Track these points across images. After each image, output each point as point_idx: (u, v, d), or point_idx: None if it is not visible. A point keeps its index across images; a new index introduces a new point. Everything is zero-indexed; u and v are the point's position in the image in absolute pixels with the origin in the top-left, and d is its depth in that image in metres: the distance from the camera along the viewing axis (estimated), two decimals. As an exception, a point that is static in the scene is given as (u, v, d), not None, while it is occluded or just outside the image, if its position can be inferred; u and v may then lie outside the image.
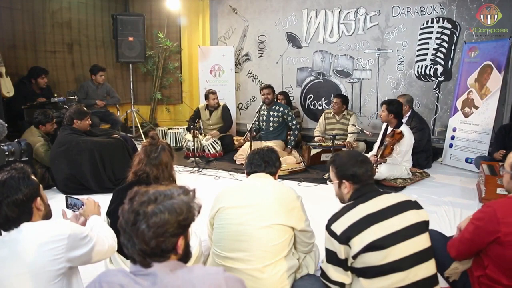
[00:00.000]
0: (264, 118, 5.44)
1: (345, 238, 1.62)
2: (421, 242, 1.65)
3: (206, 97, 5.78)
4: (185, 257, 1.20)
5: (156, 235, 1.08)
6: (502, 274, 1.65)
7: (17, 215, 1.47)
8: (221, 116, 5.85)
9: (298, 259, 2.05)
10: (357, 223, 1.64)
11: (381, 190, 1.84)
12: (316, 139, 5.42)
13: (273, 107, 5.38)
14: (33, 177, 1.61)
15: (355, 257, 1.63)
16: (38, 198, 1.57)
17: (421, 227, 1.69)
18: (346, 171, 1.80)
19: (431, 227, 3.12)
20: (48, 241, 1.43)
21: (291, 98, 6.39)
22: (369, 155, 4.32)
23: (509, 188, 1.82)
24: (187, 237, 1.19)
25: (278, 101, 5.75)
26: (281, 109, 5.36)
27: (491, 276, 1.69)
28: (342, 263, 1.67)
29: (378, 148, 4.28)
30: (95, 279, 1.16)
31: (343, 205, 1.81)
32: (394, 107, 4.14)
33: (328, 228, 1.70)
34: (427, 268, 1.63)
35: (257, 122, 5.52)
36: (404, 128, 4.13)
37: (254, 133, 5.39)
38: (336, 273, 1.70)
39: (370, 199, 1.72)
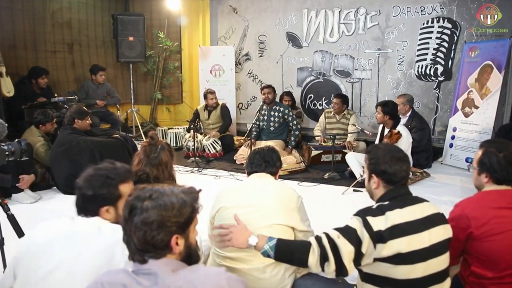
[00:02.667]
0: (265, 118, 5.44)
1: (377, 237, 1.50)
2: (443, 262, 1.59)
3: (205, 97, 5.79)
4: (188, 258, 1.19)
5: (144, 230, 1.08)
6: (486, 268, 1.69)
7: None
8: (220, 115, 5.85)
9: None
10: (395, 228, 1.51)
11: (414, 196, 1.72)
12: (316, 138, 5.42)
13: (273, 107, 5.38)
14: None
15: (376, 260, 1.52)
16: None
17: (445, 245, 1.61)
18: (377, 166, 1.67)
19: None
20: None
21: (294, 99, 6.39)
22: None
23: (477, 185, 1.86)
24: (188, 238, 1.17)
25: (284, 102, 5.75)
26: (281, 109, 5.36)
27: (476, 272, 1.73)
28: (358, 254, 1.52)
29: (377, 149, 4.27)
30: (97, 280, 1.16)
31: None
32: (389, 108, 4.14)
33: (363, 218, 1.54)
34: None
35: (258, 122, 5.52)
36: (401, 128, 4.12)
37: (254, 139, 5.39)
38: (348, 254, 1.51)
39: (406, 206, 1.60)
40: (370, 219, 1.53)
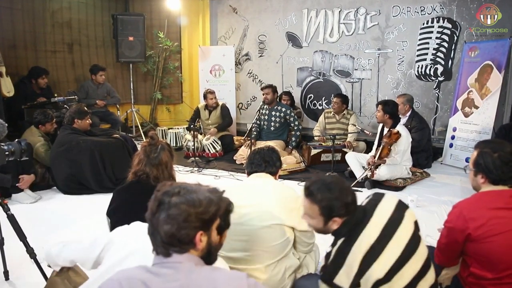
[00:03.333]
0: (266, 117, 5.43)
1: (354, 286, 1.48)
2: (421, 255, 1.56)
3: (205, 97, 5.79)
4: (208, 256, 1.21)
5: (171, 224, 1.11)
6: (485, 270, 1.69)
7: None
8: (220, 115, 5.85)
9: (299, 258, 2.05)
10: (360, 268, 1.46)
11: (371, 202, 1.65)
12: (316, 138, 5.42)
13: (274, 107, 5.37)
14: None
15: None
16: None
17: (415, 238, 1.57)
18: (337, 208, 1.52)
19: (431, 227, 3.14)
20: None
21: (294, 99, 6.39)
22: (368, 156, 4.33)
23: (474, 186, 1.87)
24: (211, 236, 1.19)
25: (282, 101, 5.75)
26: (283, 109, 5.35)
27: (475, 273, 1.73)
28: None
29: (376, 149, 4.28)
30: (112, 277, 1.16)
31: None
32: (390, 108, 4.13)
33: (330, 283, 1.49)
34: (427, 280, 1.56)
35: (258, 122, 5.52)
36: (400, 128, 4.13)
37: (255, 139, 5.38)
38: None
39: (362, 231, 1.52)
40: (337, 279, 1.48)
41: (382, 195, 1.68)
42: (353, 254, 1.49)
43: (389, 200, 1.65)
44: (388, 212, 1.59)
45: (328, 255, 1.58)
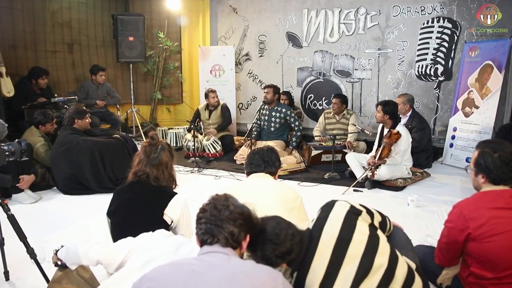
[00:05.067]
0: (266, 118, 5.43)
1: None
2: (381, 263, 1.51)
3: (206, 96, 5.79)
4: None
5: (235, 220, 1.34)
6: (485, 269, 1.69)
7: None
8: (220, 115, 5.85)
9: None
10: None
11: (317, 216, 1.63)
12: (316, 138, 5.42)
13: (275, 108, 5.36)
14: None
15: None
16: None
17: (372, 242, 1.53)
18: (271, 259, 1.49)
19: (430, 227, 3.13)
20: None
21: (293, 99, 6.39)
22: (368, 156, 4.33)
23: (475, 186, 1.87)
24: (246, 244, 1.40)
25: (280, 101, 5.75)
26: (283, 110, 5.34)
27: (476, 273, 1.73)
28: None
29: (376, 149, 4.28)
30: (172, 263, 1.33)
31: None
32: (390, 108, 4.13)
33: None
34: (397, 283, 1.52)
35: (258, 122, 5.52)
36: (401, 128, 4.12)
37: (255, 139, 5.38)
38: None
39: (311, 262, 1.51)
40: None
41: (330, 208, 1.64)
42: (309, 287, 1.51)
43: (337, 215, 1.60)
44: (335, 232, 1.54)
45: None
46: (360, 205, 1.72)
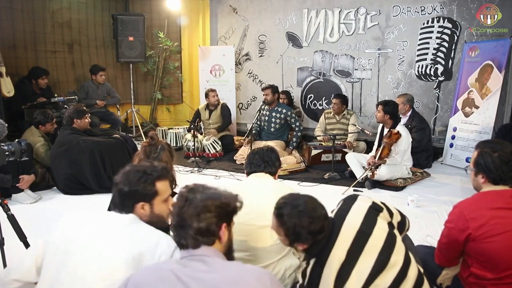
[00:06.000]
0: (266, 118, 5.43)
1: None
2: (397, 260, 1.52)
3: (206, 95, 5.79)
4: (229, 253, 1.33)
5: (199, 214, 1.24)
6: (485, 269, 1.69)
7: None
8: (220, 115, 5.85)
9: (299, 258, 2.04)
10: (337, 279, 1.45)
11: (340, 212, 1.61)
12: (318, 138, 5.41)
13: (275, 108, 5.36)
14: None
15: None
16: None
17: (388, 244, 1.53)
18: (302, 235, 1.49)
19: (430, 227, 3.13)
20: None
21: (292, 98, 6.39)
22: (368, 156, 4.33)
23: (475, 186, 1.87)
24: (231, 231, 1.33)
25: (280, 100, 5.74)
26: (283, 110, 5.34)
27: (476, 273, 1.73)
28: None
29: (376, 149, 4.28)
30: (143, 269, 1.26)
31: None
32: (390, 108, 4.13)
33: None
34: (408, 282, 1.53)
35: (258, 122, 5.52)
36: (401, 128, 4.12)
37: (253, 138, 5.37)
38: None
39: (331, 250, 1.50)
40: None
41: (353, 201, 1.65)
42: (326, 276, 1.48)
43: (359, 208, 1.61)
44: (356, 224, 1.55)
45: (303, 274, 1.57)
46: (381, 202, 1.73)
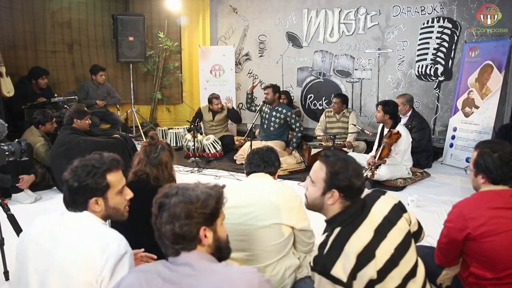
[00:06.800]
0: (266, 116, 5.43)
1: (350, 282, 1.42)
2: (410, 257, 1.53)
3: (210, 101, 5.78)
4: (218, 252, 1.25)
5: (173, 223, 1.16)
6: (485, 269, 1.69)
7: None
8: (225, 117, 5.87)
9: (299, 258, 2.05)
10: (357, 263, 1.41)
11: (370, 195, 1.63)
12: (319, 138, 5.41)
13: (276, 108, 5.36)
14: None
15: None
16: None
17: (407, 240, 1.55)
18: (342, 180, 1.51)
19: (430, 227, 3.14)
20: None
21: (292, 98, 6.39)
22: (368, 156, 4.33)
23: (474, 186, 1.87)
24: (217, 231, 1.24)
25: (280, 100, 5.74)
26: (284, 111, 5.34)
27: (476, 273, 1.73)
28: None
29: (376, 149, 4.28)
30: (135, 269, 1.25)
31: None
32: (390, 108, 4.14)
33: (327, 274, 1.41)
34: (416, 281, 1.54)
35: (261, 119, 5.53)
36: (401, 128, 4.13)
37: (254, 134, 5.38)
38: None
39: (359, 225, 1.49)
40: (334, 270, 1.40)
41: (382, 193, 1.66)
42: (350, 247, 1.43)
43: (386, 200, 1.62)
44: (384, 211, 1.56)
45: (322, 244, 1.50)
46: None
